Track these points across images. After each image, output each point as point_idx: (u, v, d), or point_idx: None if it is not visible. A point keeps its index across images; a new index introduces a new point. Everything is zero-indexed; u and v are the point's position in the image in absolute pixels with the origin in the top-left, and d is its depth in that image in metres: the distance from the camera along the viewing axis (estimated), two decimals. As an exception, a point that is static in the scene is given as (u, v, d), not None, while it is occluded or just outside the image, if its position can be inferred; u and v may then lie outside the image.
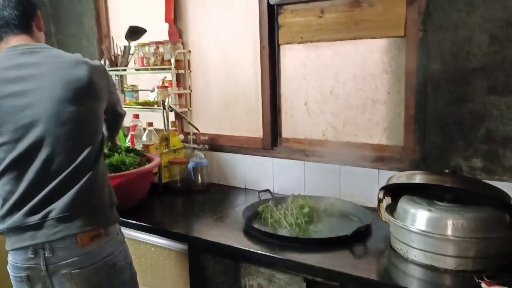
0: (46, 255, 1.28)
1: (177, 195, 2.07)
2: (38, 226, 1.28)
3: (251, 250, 1.45)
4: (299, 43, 1.94)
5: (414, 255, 1.31)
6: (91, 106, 1.34)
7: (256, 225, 1.62)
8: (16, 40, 1.35)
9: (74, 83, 1.28)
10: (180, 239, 1.62)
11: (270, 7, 1.96)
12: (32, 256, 1.28)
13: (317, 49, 1.90)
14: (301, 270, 1.35)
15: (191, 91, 2.32)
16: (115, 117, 1.64)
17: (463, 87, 1.57)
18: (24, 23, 1.36)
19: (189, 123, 2.27)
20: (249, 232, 1.58)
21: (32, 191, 1.28)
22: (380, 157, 1.78)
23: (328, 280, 1.31)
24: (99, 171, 1.37)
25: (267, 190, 1.96)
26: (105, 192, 1.39)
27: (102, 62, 2.40)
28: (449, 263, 1.25)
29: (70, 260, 1.29)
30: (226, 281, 1.53)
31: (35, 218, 1.27)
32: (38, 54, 1.32)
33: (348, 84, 1.84)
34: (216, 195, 2.10)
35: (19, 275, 1.32)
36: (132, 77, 2.49)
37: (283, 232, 1.57)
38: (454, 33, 1.55)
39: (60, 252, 1.29)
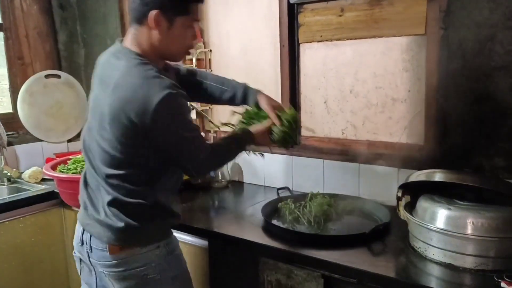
0: (87, 250, 1.38)
1: (198, 192, 2.11)
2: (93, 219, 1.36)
3: (270, 246, 1.47)
4: (318, 41, 1.95)
5: (433, 253, 1.31)
6: None
7: (275, 222, 1.65)
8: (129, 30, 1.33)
9: None
10: (201, 234, 1.66)
11: (290, 6, 1.98)
12: (80, 244, 1.40)
13: (337, 48, 1.91)
14: (319, 267, 1.36)
15: (212, 89, 2.35)
16: None
17: (485, 85, 1.55)
18: (135, 18, 1.30)
19: (210, 121, 2.31)
20: (268, 229, 1.60)
21: None
22: (400, 156, 1.77)
23: (346, 277, 1.32)
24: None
25: (286, 188, 1.97)
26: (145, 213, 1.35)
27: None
28: (469, 262, 1.25)
29: (102, 262, 1.35)
30: (245, 276, 1.56)
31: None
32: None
33: (368, 82, 1.84)
34: (236, 192, 2.13)
35: (75, 254, 1.46)
36: (155, 76, 2.54)
37: (302, 229, 1.59)
38: (476, 30, 1.53)
39: (95, 251, 1.36)
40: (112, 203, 1.32)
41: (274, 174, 2.14)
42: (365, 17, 1.79)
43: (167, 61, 1.44)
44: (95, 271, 1.40)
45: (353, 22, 1.83)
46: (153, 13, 1.25)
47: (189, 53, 1.46)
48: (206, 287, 1.68)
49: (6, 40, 2.60)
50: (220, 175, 2.19)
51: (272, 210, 1.73)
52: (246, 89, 1.64)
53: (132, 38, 1.32)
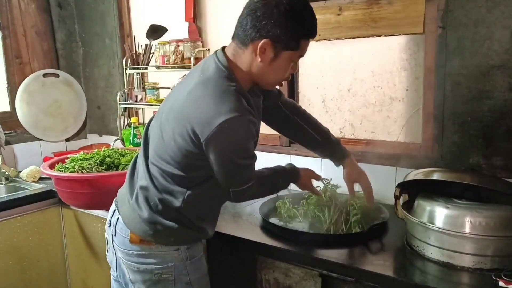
0: (112, 232, 1.41)
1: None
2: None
3: (267, 244, 1.47)
4: (317, 40, 1.94)
5: (431, 252, 1.31)
6: None
7: (272, 220, 1.64)
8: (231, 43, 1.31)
9: None
10: (199, 233, 1.66)
11: (289, 5, 1.97)
12: (108, 225, 1.44)
13: (335, 47, 1.91)
14: (317, 265, 1.36)
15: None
16: None
17: (483, 84, 1.55)
18: (244, 37, 1.25)
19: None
20: (266, 227, 1.60)
21: None
22: (398, 155, 1.78)
23: (344, 275, 1.32)
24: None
25: (284, 187, 1.97)
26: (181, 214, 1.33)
27: (124, 60, 2.45)
28: (467, 261, 1.25)
29: (122, 249, 1.38)
30: (243, 275, 1.56)
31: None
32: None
33: (366, 81, 1.84)
34: (234, 191, 2.12)
35: (105, 234, 1.49)
36: (153, 75, 2.54)
37: (299, 227, 1.59)
38: (474, 29, 1.53)
39: (118, 236, 1.39)
40: (144, 188, 1.33)
41: (272, 173, 2.14)
42: (363, 16, 1.79)
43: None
44: (115, 255, 1.42)
45: (352, 21, 1.83)
46: (262, 41, 1.21)
47: (281, 84, 1.42)
48: (204, 286, 1.68)
49: (4, 39, 2.59)
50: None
51: (270, 208, 1.73)
52: (335, 147, 1.61)
53: (230, 53, 1.29)
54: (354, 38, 1.84)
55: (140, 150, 1.42)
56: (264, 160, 2.15)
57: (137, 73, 2.44)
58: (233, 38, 1.30)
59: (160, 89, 2.44)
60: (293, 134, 1.66)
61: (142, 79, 2.48)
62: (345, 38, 1.86)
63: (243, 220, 1.71)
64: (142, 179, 1.35)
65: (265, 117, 1.53)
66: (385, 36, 1.76)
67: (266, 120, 1.59)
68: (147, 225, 1.32)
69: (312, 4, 1.88)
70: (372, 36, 1.79)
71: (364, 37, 1.81)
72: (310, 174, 1.57)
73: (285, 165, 1.53)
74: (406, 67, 1.74)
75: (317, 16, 1.89)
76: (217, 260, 1.62)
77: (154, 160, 1.32)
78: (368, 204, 1.57)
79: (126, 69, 2.44)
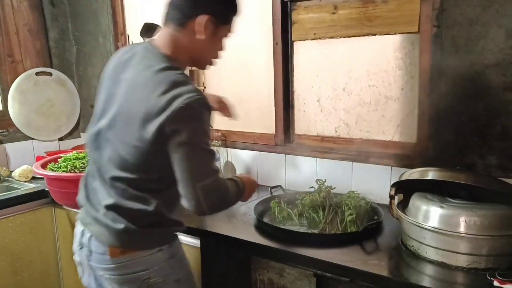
0: (87, 253, 1.33)
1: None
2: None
3: (262, 244, 1.46)
4: (312, 39, 1.94)
5: (426, 252, 1.30)
6: None
7: (267, 220, 1.64)
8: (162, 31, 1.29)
9: None
10: (193, 233, 1.64)
11: (284, 4, 1.97)
12: (79, 248, 1.37)
13: (330, 46, 1.90)
14: (311, 265, 1.36)
15: (205, 87, 2.34)
16: None
17: (478, 83, 1.55)
18: (182, 18, 1.25)
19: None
20: (261, 227, 1.59)
21: None
22: (393, 154, 1.77)
23: (339, 275, 1.31)
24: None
25: (279, 186, 1.96)
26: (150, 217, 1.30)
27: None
28: (461, 261, 1.25)
29: (103, 265, 1.31)
30: (237, 275, 1.55)
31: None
32: None
33: (361, 80, 1.84)
34: (229, 191, 2.11)
35: (75, 258, 1.42)
36: (147, 74, 2.52)
37: (294, 227, 1.58)
38: (469, 28, 1.53)
39: (95, 254, 1.32)
40: (112, 207, 1.28)
41: (267, 172, 2.13)
42: (358, 15, 1.79)
43: None
44: (94, 275, 1.36)
45: (346, 20, 1.82)
46: (204, 17, 1.23)
47: (212, 64, 1.40)
48: (199, 286, 1.66)
49: (-4, 37, 2.57)
50: (212, 173, 2.17)
51: (264, 208, 1.73)
52: None
53: (167, 40, 1.27)
54: (349, 37, 1.83)
55: (90, 170, 1.36)
56: (259, 160, 2.15)
57: (131, 71, 2.42)
58: (165, 23, 1.28)
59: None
60: None
61: (136, 78, 2.46)
62: (340, 37, 1.86)
63: (238, 220, 1.70)
64: (106, 198, 1.29)
65: None
66: (380, 35, 1.76)
67: None
68: (126, 236, 1.28)
69: (308, 3, 1.91)
70: (367, 35, 1.79)
71: (359, 36, 1.81)
72: (253, 185, 1.50)
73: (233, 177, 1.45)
74: (401, 66, 1.74)
75: (312, 15, 1.91)
76: (212, 260, 1.61)
77: (116, 174, 1.26)
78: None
79: (119, 67, 2.42)
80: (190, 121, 1.16)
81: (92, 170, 1.36)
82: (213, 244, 1.59)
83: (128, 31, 2.64)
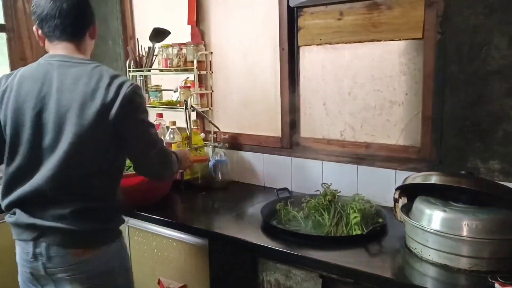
0: (43, 261, 1.36)
1: (198, 192, 2.13)
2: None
3: (268, 246, 1.50)
4: (318, 45, 1.98)
5: (429, 254, 1.33)
6: None
7: (274, 223, 1.67)
8: (61, 48, 1.40)
9: None
10: (201, 234, 1.69)
11: (290, 10, 2.00)
12: (32, 260, 1.37)
13: (336, 51, 1.93)
14: (317, 267, 1.39)
15: (213, 91, 2.38)
16: None
17: (481, 89, 1.57)
18: (76, 31, 1.40)
19: (210, 122, 2.34)
20: (267, 229, 1.62)
21: None
22: (397, 158, 1.80)
23: (343, 277, 1.34)
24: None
25: (285, 189, 2.00)
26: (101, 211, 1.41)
27: (127, 63, 2.48)
28: (463, 263, 1.27)
29: (64, 267, 1.35)
30: (244, 276, 1.58)
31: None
32: None
33: (366, 85, 1.87)
34: (236, 193, 2.15)
35: (21, 275, 1.46)
36: (156, 78, 2.57)
37: (300, 229, 1.62)
38: (473, 35, 1.56)
39: (56, 258, 1.35)
40: (74, 212, 1.33)
41: (274, 175, 2.17)
42: (364, 21, 1.82)
43: None
44: (52, 280, 1.38)
45: (352, 26, 1.85)
46: (92, 26, 1.45)
47: None
48: (206, 286, 1.71)
49: (9, 41, 2.63)
50: (220, 175, 2.22)
51: (271, 211, 1.76)
52: None
53: (72, 51, 1.40)
54: (354, 42, 1.87)
55: (38, 182, 1.33)
56: (266, 163, 2.19)
57: (140, 75, 2.47)
58: (60, 40, 1.39)
59: (163, 91, 2.47)
60: None
61: (145, 81, 2.51)
62: (346, 43, 1.89)
63: (245, 222, 1.74)
64: (59, 205, 1.33)
65: None
66: (385, 41, 1.79)
67: None
68: (89, 236, 1.37)
69: (314, 9, 1.95)
70: (372, 40, 1.82)
71: (364, 41, 1.84)
72: (185, 152, 1.81)
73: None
74: (406, 72, 1.77)
75: (318, 21, 1.95)
76: (219, 261, 1.65)
77: (70, 179, 1.33)
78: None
79: (129, 71, 2.47)
80: (138, 102, 1.37)
81: (41, 182, 1.33)
82: (221, 245, 1.63)
83: (137, 35, 2.69)
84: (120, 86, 1.32)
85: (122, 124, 1.33)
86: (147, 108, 1.46)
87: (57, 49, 1.40)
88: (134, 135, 1.38)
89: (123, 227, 1.95)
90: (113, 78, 1.33)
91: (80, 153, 1.31)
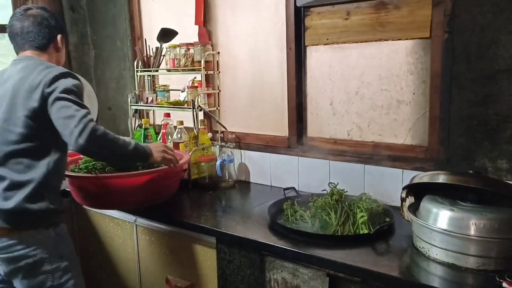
0: None
1: (205, 191, 2.14)
2: None
3: (276, 245, 1.50)
4: (325, 44, 1.98)
5: (436, 253, 1.33)
6: None
7: (280, 222, 1.68)
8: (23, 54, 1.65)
9: None
10: (208, 233, 1.70)
11: (297, 10, 2.01)
12: None
13: (343, 50, 1.93)
14: (324, 266, 1.40)
15: (220, 91, 2.40)
16: None
17: (489, 88, 1.57)
18: (42, 46, 1.65)
19: (218, 122, 2.35)
20: (274, 228, 1.63)
21: None
22: (404, 157, 1.80)
23: (351, 275, 1.35)
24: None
25: (292, 188, 2.01)
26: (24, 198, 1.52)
27: (135, 63, 2.50)
28: (471, 262, 1.27)
29: None
30: (252, 274, 1.59)
31: None
32: None
33: (373, 84, 1.87)
34: (243, 192, 2.16)
35: None
36: (164, 78, 2.58)
37: (307, 228, 1.62)
38: (480, 34, 1.56)
39: None
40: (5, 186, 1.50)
41: (281, 174, 2.18)
42: (371, 20, 1.82)
43: None
44: None
45: (359, 26, 1.86)
46: (59, 36, 1.68)
47: None
48: (214, 285, 1.72)
49: (19, 41, 2.66)
50: (227, 174, 2.23)
51: (278, 210, 1.77)
52: None
53: (32, 56, 1.64)
54: (361, 42, 1.87)
55: None
56: (273, 162, 2.20)
57: (148, 75, 2.49)
58: (21, 50, 1.65)
59: (170, 91, 2.49)
60: None
61: (153, 81, 2.52)
62: (353, 42, 1.89)
63: (252, 221, 1.75)
64: None
65: None
66: (392, 40, 1.79)
67: None
68: (15, 216, 1.48)
69: (321, 9, 1.96)
70: (379, 40, 1.82)
71: (371, 41, 1.84)
72: (162, 147, 1.74)
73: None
74: (413, 71, 1.77)
75: (325, 20, 1.95)
76: (227, 259, 1.66)
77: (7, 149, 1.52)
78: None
79: (137, 71, 2.49)
80: (61, 82, 1.51)
81: None
82: (229, 244, 1.64)
83: (145, 35, 2.71)
84: (48, 72, 1.52)
85: (45, 103, 1.49)
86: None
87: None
88: (53, 112, 1.49)
89: (130, 226, 1.99)
90: (48, 67, 1.55)
91: (8, 130, 1.52)
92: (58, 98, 1.47)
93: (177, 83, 2.50)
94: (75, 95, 1.50)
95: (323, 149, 2.04)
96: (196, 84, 2.30)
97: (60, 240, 1.60)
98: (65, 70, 1.58)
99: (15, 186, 1.51)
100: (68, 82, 1.52)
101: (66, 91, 1.49)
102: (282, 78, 2.13)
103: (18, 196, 1.50)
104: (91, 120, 1.48)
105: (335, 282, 1.39)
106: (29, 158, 1.53)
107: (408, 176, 1.61)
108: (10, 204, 1.49)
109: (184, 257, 1.82)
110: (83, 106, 1.50)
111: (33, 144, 1.53)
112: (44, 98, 1.49)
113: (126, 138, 1.61)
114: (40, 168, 1.54)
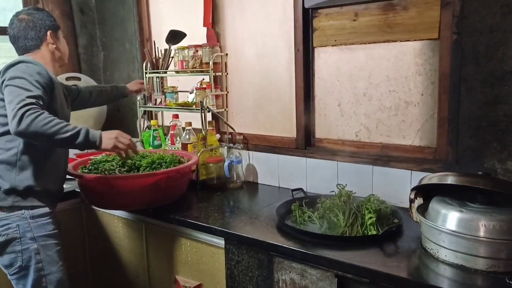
0: None
1: (213, 192, 2.16)
2: None
3: (284, 246, 1.51)
4: (333, 45, 1.98)
5: (445, 255, 1.33)
6: None
7: (289, 222, 1.68)
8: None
9: None
10: (217, 233, 1.71)
11: (305, 11, 2.02)
12: None
13: (351, 52, 1.94)
14: (332, 267, 1.40)
15: (228, 92, 2.41)
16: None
17: (498, 89, 1.56)
18: (32, 47, 1.80)
19: (226, 123, 2.36)
20: (282, 229, 1.64)
21: None
22: (413, 158, 1.80)
23: (359, 276, 1.35)
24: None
25: (300, 189, 2.01)
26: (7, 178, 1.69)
27: (144, 65, 2.52)
28: (480, 264, 1.27)
29: None
30: (260, 275, 1.60)
31: None
32: None
33: (381, 85, 1.87)
34: (251, 193, 2.17)
35: None
36: (172, 79, 2.60)
37: (315, 229, 1.63)
38: (489, 35, 1.55)
39: None
40: None
41: (289, 175, 2.18)
42: (379, 22, 1.82)
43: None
44: None
45: (367, 27, 1.86)
46: (49, 33, 1.82)
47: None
48: (222, 285, 1.73)
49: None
50: (235, 175, 2.24)
51: (286, 211, 1.77)
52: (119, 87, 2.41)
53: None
54: (369, 43, 1.87)
55: None
56: (281, 163, 2.20)
57: (156, 77, 2.51)
58: (19, 51, 1.82)
59: (179, 93, 2.51)
60: (98, 101, 2.31)
61: (162, 83, 2.54)
62: (361, 43, 1.90)
63: (260, 222, 1.75)
64: None
65: (81, 104, 2.21)
66: (400, 41, 1.79)
67: (82, 105, 2.22)
68: None
69: (329, 10, 1.96)
70: (388, 41, 1.82)
71: (379, 42, 1.84)
72: (115, 134, 1.69)
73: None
74: (421, 72, 1.77)
75: (333, 22, 1.96)
76: (235, 260, 1.66)
77: None
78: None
79: (146, 73, 2.51)
80: (10, 70, 1.63)
81: None
82: (237, 244, 1.65)
83: (154, 37, 2.73)
84: (6, 63, 1.67)
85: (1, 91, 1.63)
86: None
87: None
88: (5, 98, 1.58)
89: (139, 226, 2.01)
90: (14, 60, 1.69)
91: None
92: (6, 85, 1.58)
93: (185, 84, 2.52)
94: (20, 80, 1.57)
95: (331, 150, 2.04)
96: (204, 86, 2.32)
97: (34, 223, 1.70)
98: (21, 59, 1.69)
99: None
100: (16, 69, 1.62)
101: (12, 78, 1.58)
102: (290, 80, 2.14)
103: None
104: (29, 104, 1.51)
105: (344, 283, 1.39)
106: (5, 141, 1.69)
107: (417, 177, 1.61)
108: None
109: (193, 257, 1.83)
110: (26, 90, 1.55)
111: (6, 128, 1.64)
112: (2, 88, 1.62)
113: (76, 125, 1.60)
114: (13, 150, 1.68)
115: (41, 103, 1.58)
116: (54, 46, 1.84)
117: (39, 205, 1.73)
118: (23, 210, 1.70)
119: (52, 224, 1.76)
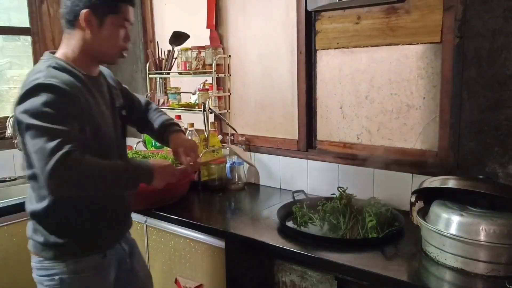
0: None
1: (215, 193, 2.16)
2: None
3: (284, 247, 1.51)
4: (335, 48, 1.99)
5: (445, 258, 1.33)
6: None
7: (289, 224, 1.69)
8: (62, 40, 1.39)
9: None
10: (218, 234, 1.71)
11: (308, 14, 2.02)
12: None
13: (353, 55, 1.94)
14: (332, 269, 1.40)
15: (230, 94, 2.41)
16: None
17: (500, 93, 1.56)
18: (68, 23, 1.34)
19: (228, 124, 2.37)
20: (283, 231, 1.64)
21: None
22: (414, 162, 1.80)
23: (359, 279, 1.35)
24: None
25: (301, 191, 2.02)
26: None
27: (147, 65, 2.53)
28: (481, 268, 1.27)
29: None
30: (260, 276, 1.60)
31: None
32: None
33: (383, 89, 1.87)
34: (252, 194, 2.18)
35: None
36: (175, 80, 2.61)
37: (316, 231, 1.63)
38: (492, 39, 1.55)
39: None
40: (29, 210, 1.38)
41: (290, 177, 2.19)
42: (381, 25, 1.82)
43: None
44: None
45: (370, 30, 1.86)
46: (83, 12, 1.29)
47: (123, 56, 1.41)
48: (223, 286, 1.73)
49: (34, 44, 2.71)
50: (236, 177, 2.24)
51: (287, 212, 1.77)
52: (163, 127, 1.65)
53: (64, 45, 1.35)
54: (372, 46, 1.87)
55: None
56: (282, 165, 2.21)
57: (159, 78, 2.52)
58: (63, 31, 1.36)
59: (181, 94, 2.52)
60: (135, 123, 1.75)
61: (165, 84, 2.55)
62: (363, 46, 1.90)
63: (261, 223, 1.76)
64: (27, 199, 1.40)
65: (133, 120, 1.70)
66: (402, 44, 1.79)
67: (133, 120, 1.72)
68: (34, 241, 1.39)
69: (331, 13, 1.96)
70: (390, 44, 1.82)
71: (381, 45, 1.84)
72: (168, 171, 1.43)
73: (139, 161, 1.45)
74: (423, 76, 1.77)
75: (335, 25, 1.96)
76: (236, 261, 1.67)
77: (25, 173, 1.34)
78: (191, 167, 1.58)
79: (149, 74, 2.52)
80: (29, 102, 1.20)
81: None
82: (238, 246, 1.66)
83: (157, 38, 2.74)
84: (22, 87, 1.25)
85: (20, 127, 1.23)
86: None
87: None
88: (27, 143, 1.22)
89: (140, 227, 2.02)
90: (27, 79, 1.26)
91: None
92: (28, 127, 1.19)
93: (188, 85, 2.52)
94: (45, 117, 1.18)
95: (333, 153, 2.04)
96: (207, 87, 2.33)
97: (75, 279, 1.36)
98: (37, 82, 1.22)
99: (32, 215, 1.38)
100: (36, 102, 1.19)
101: (34, 115, 1.18)
102: (292, 82, 2.14)
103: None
104: (63, 153, 1.16)
105: (344, 285, 1.39)
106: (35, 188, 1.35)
107: (418, 180, 1.61)
108: (30, 227, 1.41)
109: (194, 258, 1.84)
110: (54, 132, 1.17)
111: (32, 170, 1.31)
112: (18, 123, 1.23)
113: (119, 162, 1.34)
114: (44, 199, 1.33)
115: (71, 137, 1.20)
116: (90, 34, 1.32)
117: (81, 254, 1.38)
118: (64, 260, 1.36)
119: (101, 277, 1.42)
